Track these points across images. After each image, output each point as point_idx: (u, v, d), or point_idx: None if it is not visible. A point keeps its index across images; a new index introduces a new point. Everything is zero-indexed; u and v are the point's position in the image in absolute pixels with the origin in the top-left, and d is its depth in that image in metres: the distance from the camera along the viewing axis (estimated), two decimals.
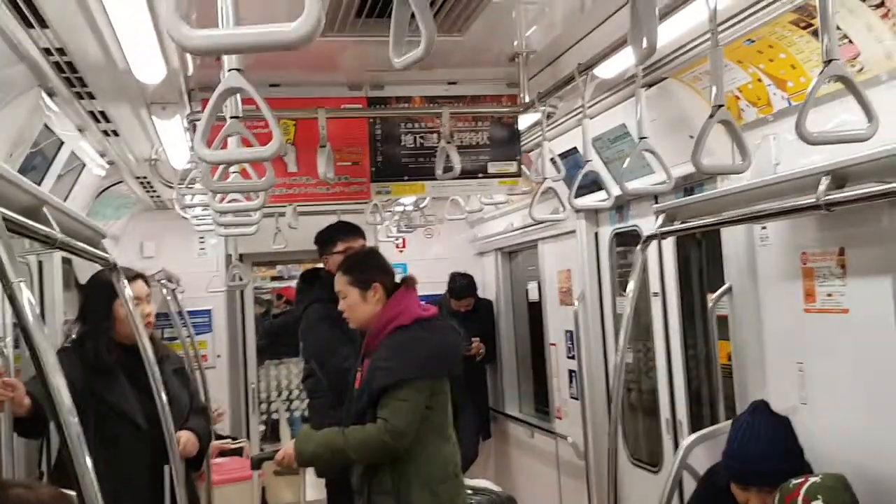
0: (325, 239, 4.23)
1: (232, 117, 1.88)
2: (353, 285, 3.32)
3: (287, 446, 3.24)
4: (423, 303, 3.41)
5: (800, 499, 2.38)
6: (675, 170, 3.05)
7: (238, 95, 1.93)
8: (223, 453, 5.02)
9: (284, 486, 5.37)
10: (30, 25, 2.39)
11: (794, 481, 2.46)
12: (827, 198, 2.13)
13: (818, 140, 1.80)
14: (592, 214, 4.82)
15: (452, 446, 3.31)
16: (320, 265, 4.36)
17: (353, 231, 4.27)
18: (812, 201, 2.21)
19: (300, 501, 3.55)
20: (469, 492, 4.26)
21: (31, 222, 1.77)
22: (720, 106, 1.94)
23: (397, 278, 3.45)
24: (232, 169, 2.63)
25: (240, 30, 1.22)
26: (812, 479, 2.43)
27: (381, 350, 3.20)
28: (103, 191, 4.90)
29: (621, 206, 4.48)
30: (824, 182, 2.16)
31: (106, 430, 3.12)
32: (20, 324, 1.55)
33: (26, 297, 1.53)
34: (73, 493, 2.01)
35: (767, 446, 2.63)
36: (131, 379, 3.34)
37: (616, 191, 3.13)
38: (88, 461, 1.56)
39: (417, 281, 3.43)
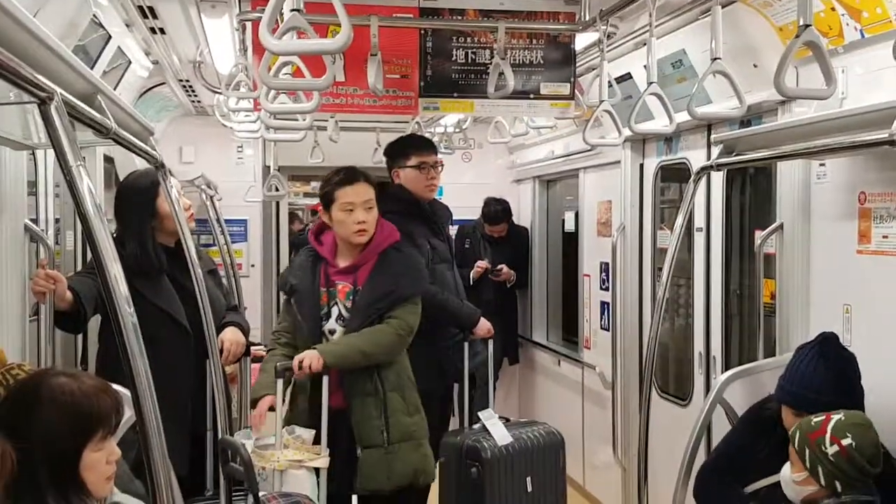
0: (399, 151, 4.11)
1: (293, 10, 1.81)
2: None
3: (307, 352, 3.23)
4: None
5: (827, 437, 2.36)
6: (734, 101, 2.94)
7: None
8: (256, 360, 5.07)
9: None
10: None
11: (816, 419, 2.43)
12: None
13: None
14: (639, 145, 4.71)
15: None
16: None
17: (429, 145, 4.20)
18: (885, 136, 2.13)
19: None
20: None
21: (88, 108, 1.74)
22: (808, 26, 1.84)
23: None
24: (283, 71, 2.57)
25: None
26: (836, 417, 2.40)
27: (389, 263, 3.38)
28: (145, 91, 4.86)
29: (670, 138, 4.37)
30: None
31: (148, 330, 3.15)
32: (79, 210, 1.52)
33: (86, 183, 1.50)
34: (117, 386, 2.04)
35: (832, 376, 2.58)
36: (171, 280, 3.36)
37: (680, 116, 3.02)
38: (142, 351, 1.55)
39: None
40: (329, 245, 3.46)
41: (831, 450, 2.34)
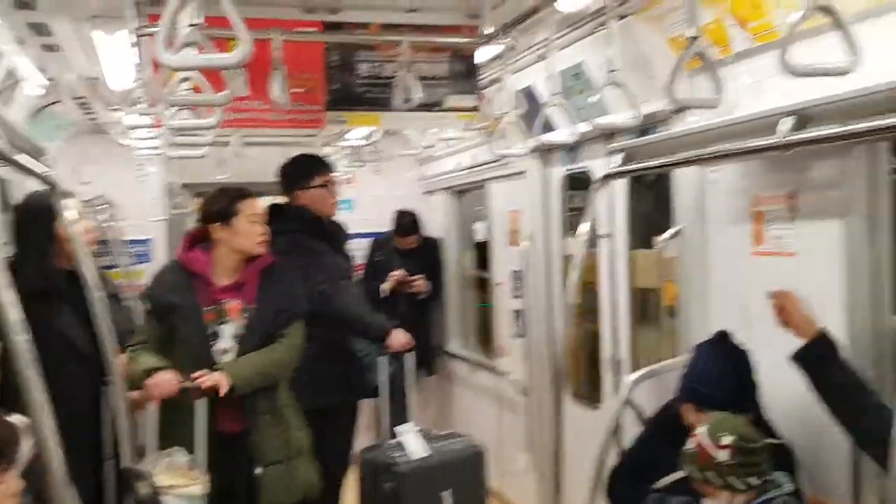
0: (301, 172, 4.06)
1: (190, 25, 1.78)
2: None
3: (213, 374, 3.16)
4: None
5: (712, 450, 2.39)
6: (632, 112, 3.02)
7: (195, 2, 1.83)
8: None
9: None
10: None
11: (689, 451, 2.47)
12: (789, 138, 2.15)
13: (803, 72, 1.80)
14: (545, 155, 4.79)
15: None
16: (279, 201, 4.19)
17: (328, 165, 4.21)
18: (774, 141, 2.23)
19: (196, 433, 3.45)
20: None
21: None
22: (695, 38, 1.93)
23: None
24: (183, 86, 2.53)
25: None
26: (699, 432, 2.46)
27: (279, 280, 3.38)
28: (41, 110, 4.69)
29: (573, 148, 4.46)
30: (787, 122, 2.18)
31: (47, 357, 3.04)
32: None
33: None
34: (16, 416, 1.96)
35: (728, 372, 2.68)
36: (71, 304, 3.25)
37: (582, 127, 3.10)
38: (39, 378, 1.50)
39: None
40: (202, 262, 3.37)
41: (722, 456, 2.39)
